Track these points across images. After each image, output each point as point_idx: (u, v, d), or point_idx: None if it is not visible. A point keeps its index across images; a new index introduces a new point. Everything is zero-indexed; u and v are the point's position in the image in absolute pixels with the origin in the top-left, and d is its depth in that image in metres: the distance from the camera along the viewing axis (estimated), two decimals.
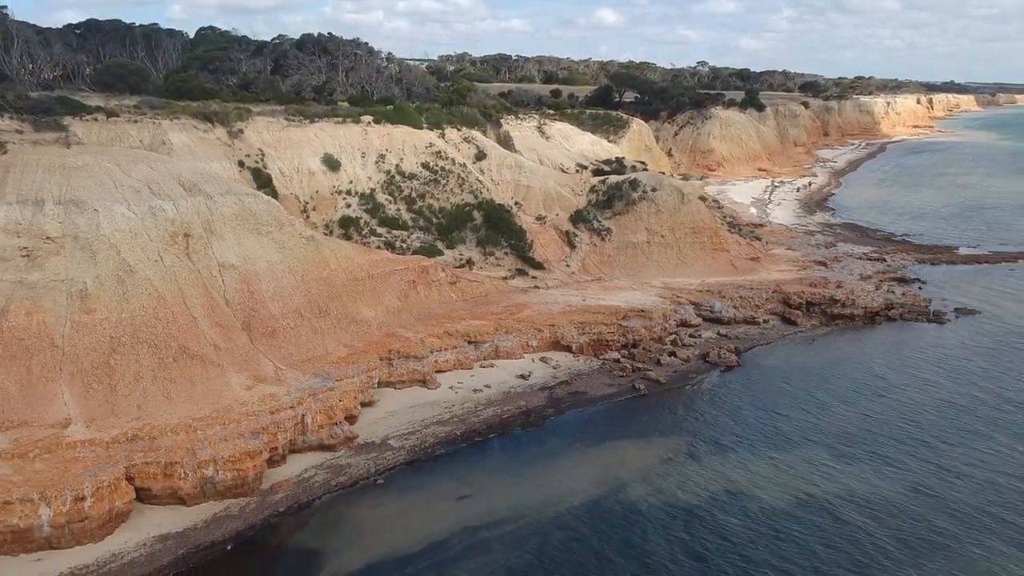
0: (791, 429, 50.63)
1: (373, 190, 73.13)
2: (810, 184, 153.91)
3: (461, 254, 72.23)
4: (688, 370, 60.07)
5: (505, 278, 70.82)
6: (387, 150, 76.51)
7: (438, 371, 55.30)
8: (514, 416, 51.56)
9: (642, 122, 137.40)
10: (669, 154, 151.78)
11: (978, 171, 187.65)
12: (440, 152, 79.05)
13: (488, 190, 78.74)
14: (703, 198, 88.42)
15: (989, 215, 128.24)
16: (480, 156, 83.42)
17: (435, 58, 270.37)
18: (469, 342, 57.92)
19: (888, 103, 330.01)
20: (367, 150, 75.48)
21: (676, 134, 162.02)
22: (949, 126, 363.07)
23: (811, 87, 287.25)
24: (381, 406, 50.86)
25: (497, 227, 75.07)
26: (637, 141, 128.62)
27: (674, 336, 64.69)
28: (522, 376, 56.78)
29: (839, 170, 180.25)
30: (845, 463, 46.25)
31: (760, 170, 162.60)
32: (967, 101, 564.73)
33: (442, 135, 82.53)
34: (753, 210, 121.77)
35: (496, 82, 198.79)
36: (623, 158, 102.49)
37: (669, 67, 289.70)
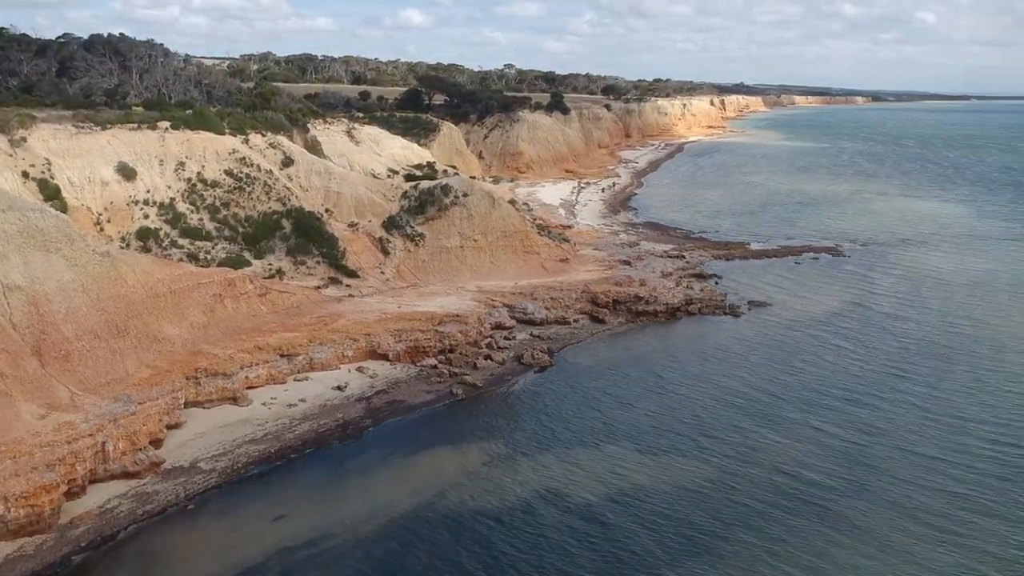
0: (601, 426, 52.53)
1: (173, 199, 70.00)
2: (614, 185, 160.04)
3: (270, 264, 70.35)
4: (504, 372, 61.16)
5: (318, 287, 69.60)
6: (187, 157, 73.43)
7: (249, 387, 53.61)
8: (331, 429, 50.77)
9: (452, 125, 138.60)
10: (480, 157, 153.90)
11: (765, 170, 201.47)
12: (244, 158, 76.62)
13: (297, 197, 77.05)
14: (512, 202, 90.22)
15: (776, 211, 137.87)
16: (287, 162, 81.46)
17: (237, 57, 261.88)
18: (282, 355, 56.51)
19: (684, 105, 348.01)
20: (165, 157, 72.14)
21: (486, 137, 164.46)
22: (740, 126, 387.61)
23: (612, 90, 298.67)
24: (189, 428, 48.80)
25: (307, 235, 73.58)
26: (448, 145, 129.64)
27: (489, 339, 65.64)
28: (338, 387, 55.99)
29: (640, 170, 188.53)
30: (649, 457, 48.35)
31: (567, 172, 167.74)
32: (755, 102, 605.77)
33: (246, 141, 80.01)
34: (562, 211, 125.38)
35: (302, 83, 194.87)
36: (434, 163, 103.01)
37: (477, 69, 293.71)
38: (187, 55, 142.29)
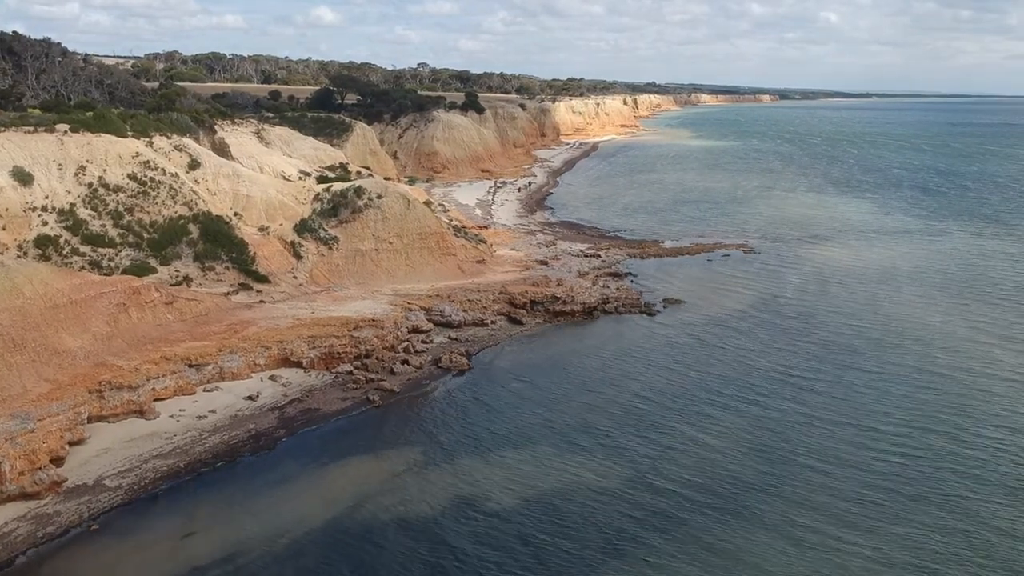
0: (519, 430, 52.22)
1: (73, 205, 67.16)
2: (530, 184, 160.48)
3: (177, 271, 68.08)
4: (421, 377, 60.41)
5: (227, 294, 67.67)
6: (88, 161, 70.55)
7: (157, 399, 51.75)
8: (243, 441, 49.28)
9: (366, 126, 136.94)
10: (395, 157, 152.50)
11: (678, 169, 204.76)
12: (149, 162, 74.00)
13: (204, 201, 74.83)
14: (428, 203, 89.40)
15: (688, 209, 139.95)
16: (194, 165, 79.06)
17: (141, 56, 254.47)
18: (190, 365, 54.71)
19: (598, 104, 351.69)
20: (65, 161, 69.17)
21: (400, 137, 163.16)
22: (652, 125, 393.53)
23: (526, 89, 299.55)
24: (93, 443, 46.79)
25: (216, 240, 71.47)
26: (361, 145, 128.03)
27: (406, 343, 64.80)
28: (250, 397, 54.45)
29: (556, 170, 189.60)
30: (566, 459, 48.11)
31: (483, 171, 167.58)
32: (667, 101, 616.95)
33: (150, 143, 77.31)
34: (478, 211, 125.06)
35: (210, 83, 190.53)
36: (347, 164, 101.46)
37: (391, 68, 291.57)
38: (87, 54, 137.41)
